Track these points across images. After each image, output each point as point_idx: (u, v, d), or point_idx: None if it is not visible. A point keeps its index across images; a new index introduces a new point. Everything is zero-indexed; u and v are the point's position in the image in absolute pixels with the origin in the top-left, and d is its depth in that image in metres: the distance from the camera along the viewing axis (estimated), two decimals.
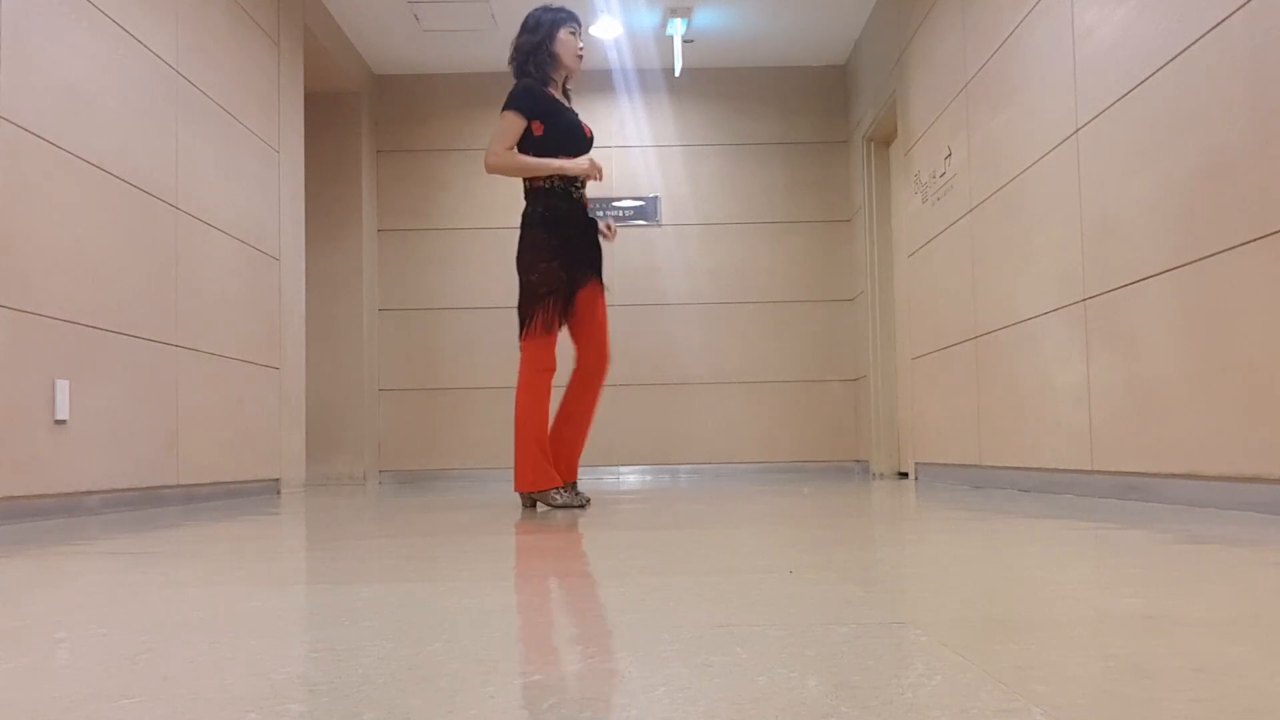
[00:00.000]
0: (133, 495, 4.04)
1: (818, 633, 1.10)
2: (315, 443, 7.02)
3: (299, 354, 5.90)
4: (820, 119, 7.77)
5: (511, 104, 3.58)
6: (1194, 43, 2.93)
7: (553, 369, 3.60)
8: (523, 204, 3.67)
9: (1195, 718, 0.75)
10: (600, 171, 3.62)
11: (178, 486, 4.41)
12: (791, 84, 7.79)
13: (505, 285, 7.66)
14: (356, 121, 7.37)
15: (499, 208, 7.69)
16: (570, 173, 3.58)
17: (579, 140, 3.69)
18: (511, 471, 3.64)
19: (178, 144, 4.47)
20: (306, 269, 6.51)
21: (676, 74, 7.42)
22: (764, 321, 7.67)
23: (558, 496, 3.56)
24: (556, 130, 3.62)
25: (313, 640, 1.12)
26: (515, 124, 3.56)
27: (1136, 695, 0.81)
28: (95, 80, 3.83)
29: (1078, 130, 3.66)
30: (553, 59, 3.67)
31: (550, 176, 3.59)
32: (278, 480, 5.53)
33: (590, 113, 7.44)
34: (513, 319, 8.39)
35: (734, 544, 2.13)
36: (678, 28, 6.88)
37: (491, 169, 3.60)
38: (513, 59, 3.71)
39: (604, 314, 3.72)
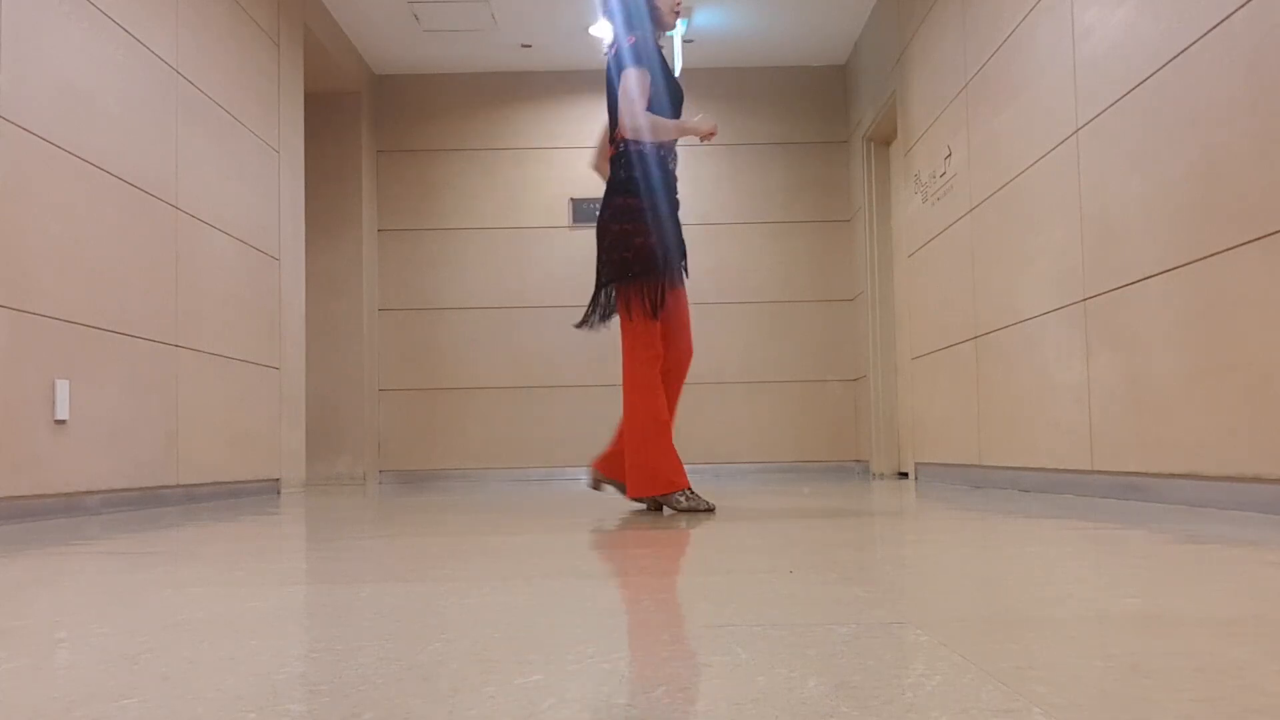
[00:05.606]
0: (133, 495, 4.03)
1: (818, 633, 1.10)
2: (315, 443, 7.02)
3: (299, 354, 5.90)
4: (820, 119, 7.77)
5: (640, 59, 3.27)
6: (1194, 43, 2.93)
7: (661, 356, 3.24)
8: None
9: (1195, 718, 0.75)
10: (716, 129, 3.31)
11: (178, 486, 4.41)
12: (791, 84, 7.79)
13: (505, 285, 7.68)
14: (356, 121, 7.37)
15: (498, 208, 7.69)
16: (696, 133, 3.28)
17: (679, 102, 3.41)
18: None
19: (178, 144, 4.47)
20: (306, 269, 6.52)
21: (676, 74, 7.40)
22: (764, 321, 7.67)
23: (682, 499, 3.17)
24: (665, 90, 3.34)
25: (313, 640, 1.12)
26: (647, 80, 3.25)
27: (1136, 695, 0.81)
28: (95, 80, 3.83)
29: (1078, 130, 3.66)
30: (653, 10, 3.41)
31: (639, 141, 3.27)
32: (278, 480, 5.53)
33: (590, 113, 7.45)
34: (515, 319, 8.27)
35: (734, 544, 2.13)
36: (678, 28, 6.87)
37: (636, 131, 3.22)
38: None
39: (687, 305, 3.41)
